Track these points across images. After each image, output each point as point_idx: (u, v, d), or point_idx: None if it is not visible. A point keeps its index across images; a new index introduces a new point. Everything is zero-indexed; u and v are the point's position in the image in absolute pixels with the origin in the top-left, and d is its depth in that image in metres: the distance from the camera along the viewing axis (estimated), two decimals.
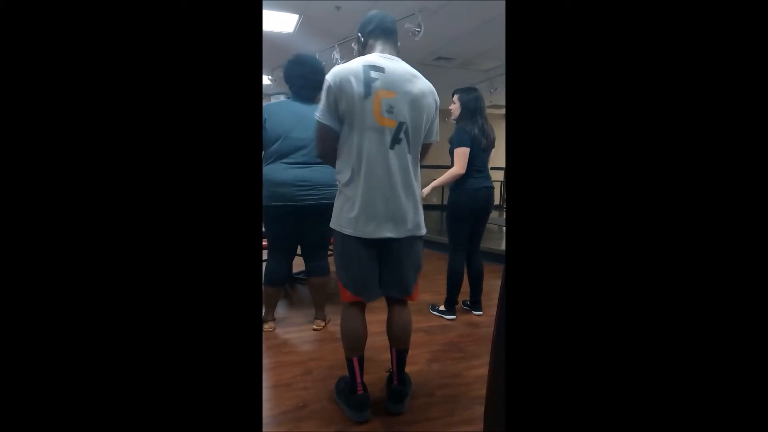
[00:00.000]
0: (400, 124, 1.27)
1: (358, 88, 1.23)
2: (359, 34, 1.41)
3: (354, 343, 1.44)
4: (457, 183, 2.29)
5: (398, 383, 1.49)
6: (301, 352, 1.96)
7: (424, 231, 1.40)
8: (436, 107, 1.38)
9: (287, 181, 1.95)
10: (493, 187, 2.39)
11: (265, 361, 1.85)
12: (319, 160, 1.72)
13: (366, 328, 1.46)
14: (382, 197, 1.28)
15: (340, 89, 1.23)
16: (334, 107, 1.26)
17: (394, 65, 1.30)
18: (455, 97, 2.36)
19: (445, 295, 2.45)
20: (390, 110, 1.25)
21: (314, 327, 2.24)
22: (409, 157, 1.31)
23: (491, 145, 2.35)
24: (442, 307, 2.47)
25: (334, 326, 2.26)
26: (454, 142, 2.27)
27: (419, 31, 3.47)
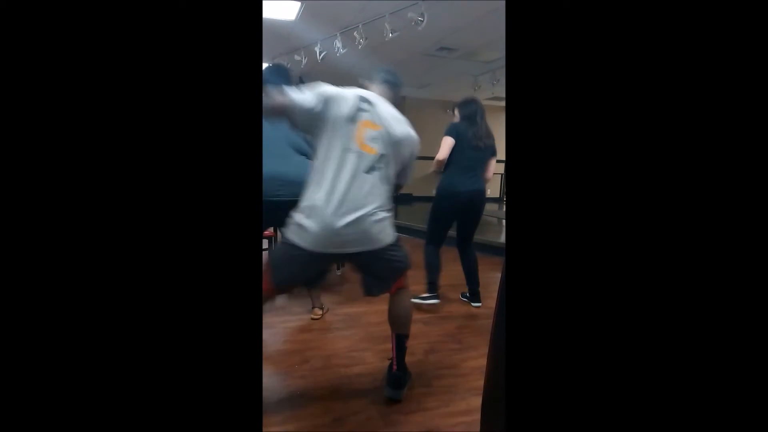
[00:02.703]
0: (381, 156, 1.33)
1: (346, 110, 1.31)
2: (377, 78, 1.53)
3: None
4: (442, 180, 2.36)
5: (398, 369, 1.51)
6: (301, 341, 1.97)
7: (388, 240, 1.39)
8: (413, 155, 1.46)
9: (265, 176, 1.95)
10: (481, 190, 2.39)
11: (264, 350, 1.86)
12: (296, 157, 1.85)
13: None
14: (352, 216, 1.28)
15: (330, 103, 1.31)
16: (308, 111, 1.30)
17: (385, 107, 1.39)
18: (455, 111, 2.44)
19: (427, 284, 2.47)
20: (373, 140, 1.32)
21: (312, 316, 2.25)
22: (384, 182, 1.35)
23: (487, 149, 2.36)
24: (424, 294, 2.47)
25: (333, 315, 2.27)
26: (444, 133, 2.33)
27: (422, 21, 3.44)
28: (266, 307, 1.47)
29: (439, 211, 2.40)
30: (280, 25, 4.05)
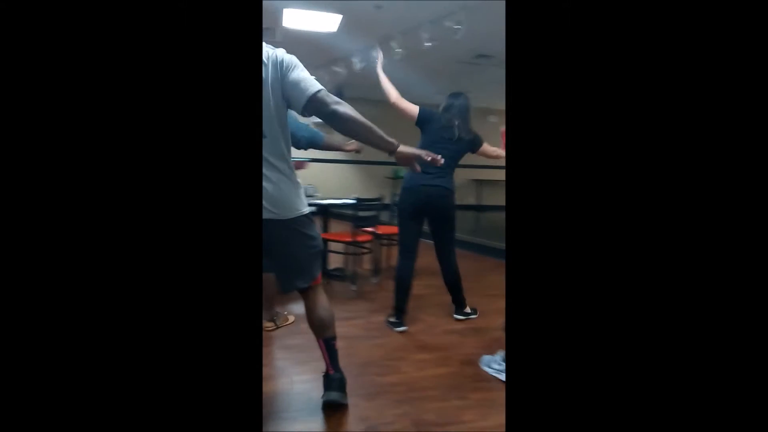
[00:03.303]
0: None
1: None
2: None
3: None
4: (405, 174, 2.25)
5: (335, 371, 1.42)
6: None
7: (302, 210, 1.30)
8: (282, 64, 1.22)
9: None
10: (446, 188, 2.15)
11: (300, 355, 1.89)
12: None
13: None
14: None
15: None
16: None
17: None
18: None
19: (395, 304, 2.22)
20: None
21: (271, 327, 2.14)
22: (265, 141, 1.20)
23: (461, 142, 2.20)
24: (392, 318, 2.21)
25: (368, 323, 2.27)
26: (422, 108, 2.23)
27: (460, 29, 3.43)
28: None
29: (403, 214, 2.20)
30: (321, 37, 4.16)
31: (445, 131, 2.17)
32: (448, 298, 2.42)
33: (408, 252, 2.21)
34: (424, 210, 2.18)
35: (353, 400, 1.51)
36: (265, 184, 1.21)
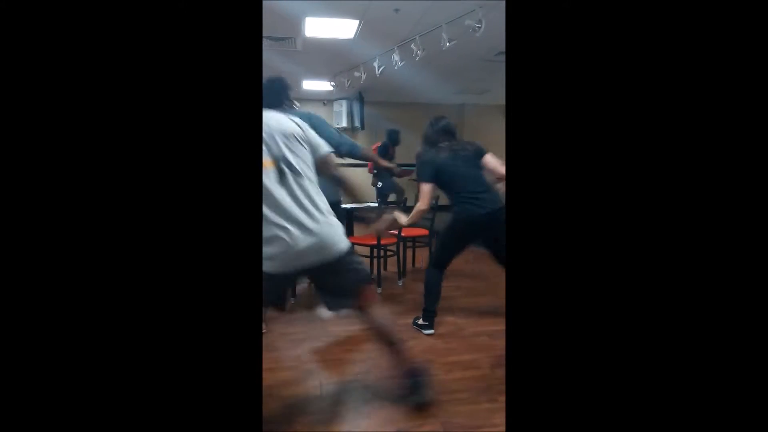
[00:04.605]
0: (276, 161, 1.30)
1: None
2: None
3: None
4: (458, 208, 2.09)
5: (405, 376, 1.48)
6: (363, 350, 1.98)
7: (344, 246, 1.37)
8: (302, 126, 1.41)
9: None
10: (501, 206, 2.05)
11: (327, 358, 1.90)
12: None
13: None
14: (284, 231, 1.26)
15: None
16: None
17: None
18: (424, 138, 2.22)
19: (424, 306, 2.22)
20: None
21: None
22: (302, 182, 1.31)
23: (472, 160, 2.12)
24: (420, 321, 2.23)
25: (394, 326, 2.26)
26: (418, 178, 2.13)
27: (480, 27, 3.39)
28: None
29: (452, 238, 2.16)
30: (339, 44, 4.20)
31: (448, 165, 2.09)
32: (476, 300, 2.39)
33: (444, 266, 2.21)
34: (486, 235, 2.12)
35: (382, 403, 1.51)
36: (307, 234, 1.28)
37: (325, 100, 6.91)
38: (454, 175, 2.08)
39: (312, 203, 1.32)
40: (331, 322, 2.31)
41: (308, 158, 1.38)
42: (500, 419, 1.42)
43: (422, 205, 2.12)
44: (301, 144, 1.37)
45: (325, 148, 1.44)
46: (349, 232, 3.20)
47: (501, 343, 2.06)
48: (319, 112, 6.67)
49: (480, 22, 3.36)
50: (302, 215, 1.28)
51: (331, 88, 5.73)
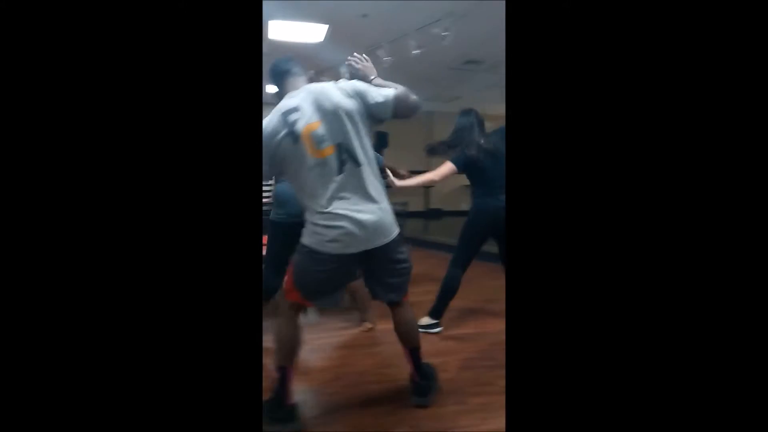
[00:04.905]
0: (338, 147, 1.28)
1: (285, 139, 1.27)
2: (275, 87, 1.45)
3: (290, 351, 1.42)
4: (477, 200, 2.18)
5: (420, 378, 1.52)
6: (331, 358, 1.96)
7: (396, 231, 1.38)
8: (359, 93, 1.33)
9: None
10: None
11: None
12: None
13: (300, 336, 1.45)
14: (347, 220, 1.28)
15: (268, 144, 1.27)
16: (267, 163, 1.29)
17: (305, 97, 1.32)
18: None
19: (434, 306, 2.26)
20: (322, 140, 1.27)
21: (365, 328, 2.26)
22: (360, 170, 1.31)
23: (497, 155, 2.16)
24: (425, 320, 2.24)
25: (366, 332, 2.26)
26: (451, 159, 2.16)
27: (447, 36, 3.46)
28: (301, 320, 1.48)
29: (472, 230, 2.20)
30: (307, 48, 4.18)
31: (484, 156, 2.13)
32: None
33: (464, 264, 2.24)
34: (498, 230, 2.14)
35: (351, 409, 1.50)
36: (367, 216, 1.29)
37: None
38: (482, 170, 2.14)
39: (370, 190, 1.32)
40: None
41: (367, 140, 1.34)
42: (467, 421, 1.44)
43: (433, 175, 2.13)
44: (361, 119, 1.31)
45: (388, 92, 1.34)
46: None
47: (468, 346, 2.09)
48: None
49: (447, 30, 3.43)
50: (361, 203, 1.29)
51: None
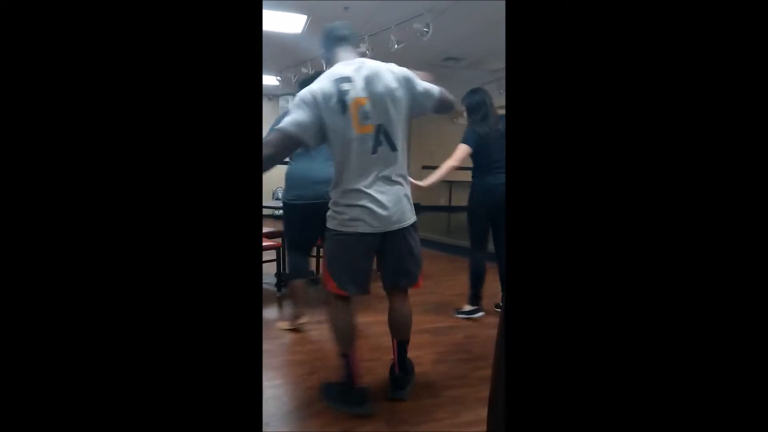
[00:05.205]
0: (378, 127, 1.31)
1: (335, 105, 1.28)
2: (323, 50, 1.47)
3: (349, 337, 1.48)
4: (476, 179, 2.29)
5: (400, 371, 1.55)
6: (307, 351, 1.96)
7: (414, 218, 1.44)
8: (408, 81, 1.36)
9: (315, 179, 1.92)
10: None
11: (272, 360, 1.86)
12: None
13: (355, 321, 1.49)
14: (369, 198, 1.32)
15: (323, 107, 1.28)
16: (312, 124, 1.28)
17: (359, 70, 1.32)
18: (464, 102, 2.35)
19: (469, 293, 2.40)
20: (366, 116, 1.29)
21: (289, 326, 2.20)
22: (392, 155, 1.34)
23: (501, 134, 2.28)
24: (466, 307, 2.41)
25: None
26: (462, 140, 2.26)
27: (427, 32, 3.46)
28: (349, 310, 1.47)
29: (477, 213, 2.31)
30: (286, 39, 4.11)
31: (492, 135, 2.22)
32: (422, 298, 2.44)
33: (482, 245, 2.35)
34: (498, 208, 2.22)
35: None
36: (389, 197, 1.33)
37: (271, 95, 6.73)
38: (485, 147, 2.22)
39: (397, 175, 1.36)
40: (275, 324, 2.26)
41: (405, 127, 1.37)
42: (442, 414, 1.47)
43: (452, 161, 2.20)
44: (405, 106, 1.35)
45: (434, 86, 1.42)
46: None
47: (443, 340, 2.13)
48: (265, 107, 6.47)
49: (428, 26, 3.44)
50: (385, 186, 1.33)
51: (278, 83, 5.59)
